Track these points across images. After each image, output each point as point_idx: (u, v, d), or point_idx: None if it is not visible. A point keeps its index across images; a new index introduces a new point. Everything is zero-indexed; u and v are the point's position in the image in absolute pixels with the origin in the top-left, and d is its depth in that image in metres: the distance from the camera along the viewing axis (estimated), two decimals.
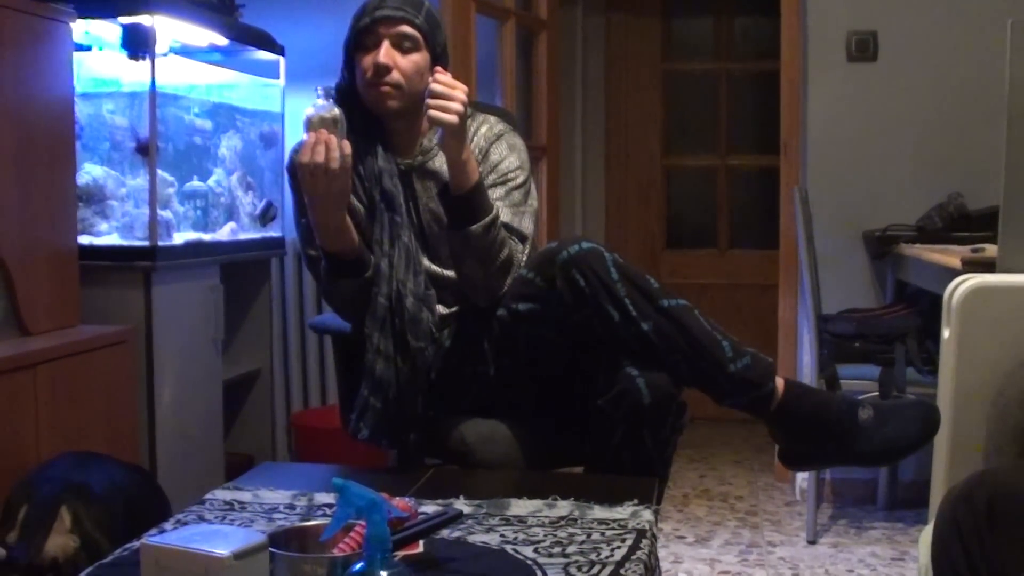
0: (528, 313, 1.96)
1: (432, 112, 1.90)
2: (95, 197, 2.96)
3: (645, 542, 1.53)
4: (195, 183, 3.29)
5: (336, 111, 1.90)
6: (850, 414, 1.89)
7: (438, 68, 1.98)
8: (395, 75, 2.03)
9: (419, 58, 2.05)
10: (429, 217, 2.11)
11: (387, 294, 2.00)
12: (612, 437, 1.90)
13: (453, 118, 1.89)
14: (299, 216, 2.09)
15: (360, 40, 2.05)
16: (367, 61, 2.04)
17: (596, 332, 1.91)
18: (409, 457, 2.06)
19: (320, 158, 1.85)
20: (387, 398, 1.99)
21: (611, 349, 1.91)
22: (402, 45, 2.03)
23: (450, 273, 2.10)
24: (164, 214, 2.98)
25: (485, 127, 2.15)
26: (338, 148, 1.86)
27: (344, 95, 2.08)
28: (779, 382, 1.91)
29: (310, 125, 1.88)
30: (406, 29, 2.03)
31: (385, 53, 2.02)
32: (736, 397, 1.90)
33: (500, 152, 2.13)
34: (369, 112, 2.08)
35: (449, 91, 1.90)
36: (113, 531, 2.06)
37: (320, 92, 1.91)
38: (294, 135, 3.72)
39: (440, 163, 2.09)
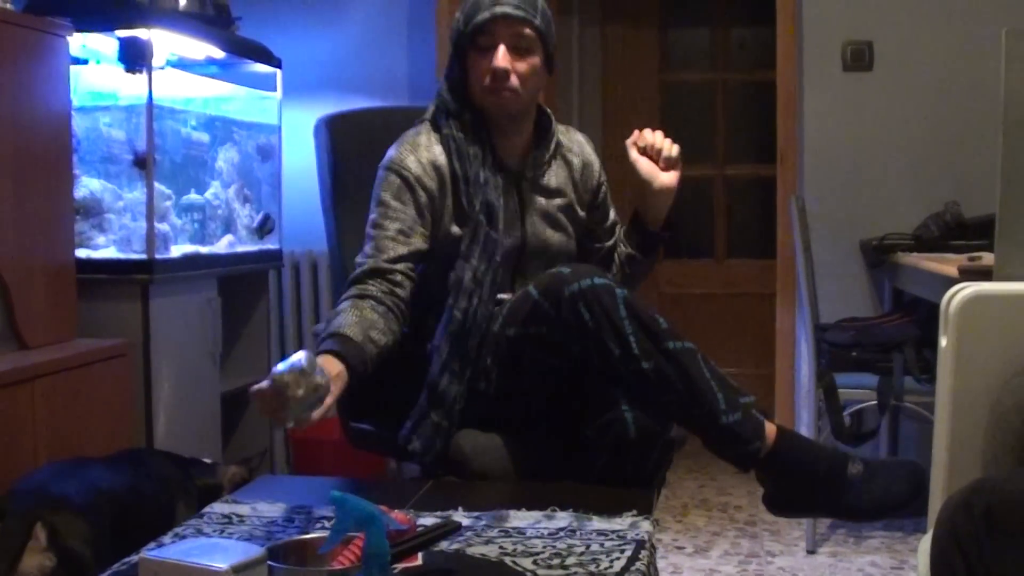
0: (535, 336, 1.92)
1: (664, 168, 2.10)
2: (92, 210, 2.96)
3: (644, 553, 1.53)
4: (192, 196, 3.29)
5: (298, 373, 1.57)
6: (839, 468, 1.85)
7: (636, 132, 2.10)
8: (513, 80, 1.97)
9: (536, 61, 1.99)
10: (532, 230, 2.08)
11: (464, 309, 1.94)
12: (595, 463, 1.89)
13: (676, 149, 2.13)
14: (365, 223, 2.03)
15: (475, 38, 1.97)
16: (483, 66, 1.97)
17: (593, 364, 1.87)
18: (432, 473, 1.99)
19: (267, 415, 1.62)
20: (446, 414, 1.93)
21: (606, 381, 1.88)
22: (519, 47, 1.97)
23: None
24: (161, 227, 2.98)
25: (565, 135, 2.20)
26: (286, 409, 1.57)
27: (454, 90, 2.04)
28: (771, 429, 1.86)
29: (271, 379, 1.59)
30: (525, 30, 1.96)
31: (503, 57, 1.95)
32: (722, 450, 1.86)
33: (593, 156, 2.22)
34: (476, 109, 2.02)
35: (656, 140, 2.12)
36: (98, 541, 2.01)
37: (304, 358, 1.60)
38: (291, 147, 3.74)
39: (554, 180, 2.10)
